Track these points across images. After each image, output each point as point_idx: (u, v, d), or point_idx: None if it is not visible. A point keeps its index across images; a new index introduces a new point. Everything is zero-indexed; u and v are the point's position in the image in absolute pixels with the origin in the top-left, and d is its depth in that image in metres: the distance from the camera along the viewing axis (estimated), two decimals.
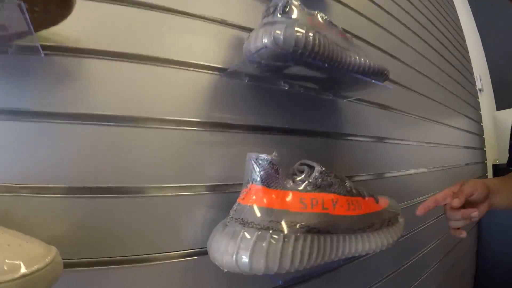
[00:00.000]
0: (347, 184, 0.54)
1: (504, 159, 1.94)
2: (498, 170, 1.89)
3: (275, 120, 0.65)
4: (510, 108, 2.00)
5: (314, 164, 0.51)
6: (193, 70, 0.56)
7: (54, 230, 0.42)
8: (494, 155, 2.03)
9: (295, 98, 0.69)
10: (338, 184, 0.52)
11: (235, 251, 0.41)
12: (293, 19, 0.51)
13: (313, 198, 0.48)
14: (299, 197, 0.46)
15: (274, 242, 0.42)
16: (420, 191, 1.11)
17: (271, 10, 0.54)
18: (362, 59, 0.59)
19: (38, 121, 0.43)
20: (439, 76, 1.40)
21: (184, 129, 0.54)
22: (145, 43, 0.52)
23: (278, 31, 0.48)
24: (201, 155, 0.55)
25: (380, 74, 0.63)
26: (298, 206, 0.46)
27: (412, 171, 1.08)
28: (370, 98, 0.89)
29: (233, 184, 0.57)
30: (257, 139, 0.62)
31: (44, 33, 0.43)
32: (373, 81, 0.62)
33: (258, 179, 0.44)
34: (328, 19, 0.58)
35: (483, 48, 2.27)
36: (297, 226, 0.44)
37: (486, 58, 2.25)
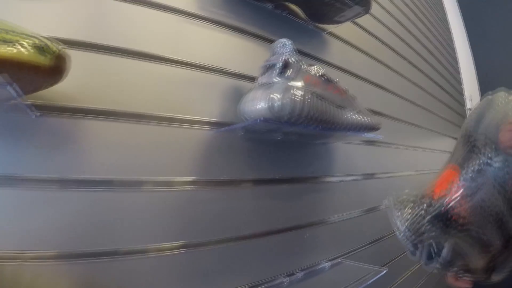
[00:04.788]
0: None
1: None
2: None
3: (268, 172, 0.66)
4: None
5: None
6: (187, 127, 0.56)
7: None
8: None
9: (287, 146, 0.70)
10: None
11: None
12: (290, 84, 0.51)
13: None
14: None
15: None
16: None
17: (268, 67, 0.54)
18: (355, 117, 0.60)
19: (34, 188, 0.42)
20: (430, 102, 1.42)
21: (177, 189, 0.54)
22: (141, 99, 0.52)
23: (274, 96, 0.49)
24: (195, 215, 0.55)
25: (372, 129, 0.64)
26: None
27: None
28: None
29: (226, 238, 0.59)
30: (250, 193, 0.63)
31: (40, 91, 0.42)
32: (363, 135, 0.64)
33: None
34: (325, 74, 0.59)
35: (475, 68, 2.30)
36: None
37: (477, 78, 2.28)
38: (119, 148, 0.49)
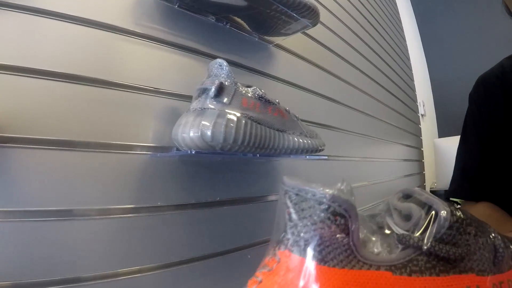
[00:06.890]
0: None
1: (441, 184, 2.06)
2: (435, 195, 1.99)
3: (208, 195, 0.62)
4: (451, 136, 2.09)
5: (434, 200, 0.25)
6: (121, 153, 0.52)
7: None
8: (432, 178, 2.14)
9: (229, 166, 0.67)
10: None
11: None
12: (224, 110, 0.48)
13: None
14: None
15: None
16: None
17: (203, 90, 0.51)
18: (297, 140, 0.58)
19: None
20: (382, 111, 1.44)
21: (111, 217, 0.50)
22: (70, 124, 0.48)
23: (205, 123, 0.46)
24: (131, 242, 0.52)
25: (315, 151, 0.62)
26: None
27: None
28: None
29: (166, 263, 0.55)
30: (189, 217, 0.60)
31: None
32: (307, 156, 0.62)
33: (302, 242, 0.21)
34: (263, 96, 0.56)
35: (429, 74, 2.37)
36: None
37: (431, 84, 2.36)
38: (50, 177, 0.45)
